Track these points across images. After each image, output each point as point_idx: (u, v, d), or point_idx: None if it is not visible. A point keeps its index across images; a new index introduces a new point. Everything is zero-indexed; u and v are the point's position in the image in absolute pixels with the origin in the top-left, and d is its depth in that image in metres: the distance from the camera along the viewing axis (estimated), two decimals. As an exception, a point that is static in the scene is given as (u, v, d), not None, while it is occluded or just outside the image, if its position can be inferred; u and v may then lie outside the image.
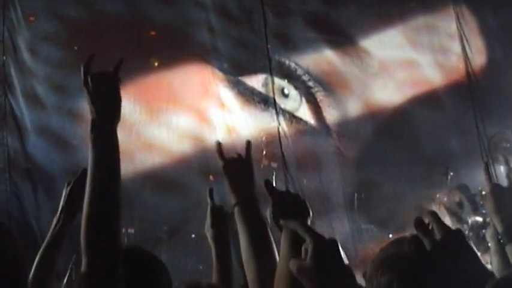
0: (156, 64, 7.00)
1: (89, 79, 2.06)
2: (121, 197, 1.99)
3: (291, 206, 2.15)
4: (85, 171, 3.05)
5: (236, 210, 2.36)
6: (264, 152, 7.02)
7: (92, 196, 1.95)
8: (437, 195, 7.58)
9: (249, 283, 2.22)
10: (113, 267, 1.90)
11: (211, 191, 2.80)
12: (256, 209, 2.35)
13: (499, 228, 2.40)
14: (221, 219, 2.74)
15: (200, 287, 2.73)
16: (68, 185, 2.87)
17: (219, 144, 2.49)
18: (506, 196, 2.48)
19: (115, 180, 2.00)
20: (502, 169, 7.78)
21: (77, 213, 2.88)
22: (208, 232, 2.76)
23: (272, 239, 2.28)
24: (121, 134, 2.04)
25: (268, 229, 2.29)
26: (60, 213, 2.75)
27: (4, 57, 6.30)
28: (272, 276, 1.93)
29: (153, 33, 7.12)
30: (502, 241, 2.39)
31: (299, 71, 7.50)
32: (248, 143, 2.51)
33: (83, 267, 1.90)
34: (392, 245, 1.67)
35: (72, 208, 2.77)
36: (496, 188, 2.54)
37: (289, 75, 7.47)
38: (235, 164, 2.44)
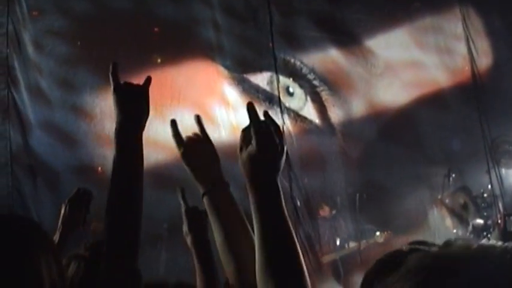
0: (159, 61, 6.97)
1: (118, 89, 2.07)
2: (142, 205, 1.95)
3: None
4: (79, 190, 3.12)
5: (205, 200, 2.16)
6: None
7: (113, 204, 1.93)
8: (439, 196, 7.56)
9: (231, 281, 2.05)
10: (132, 272, 1.88)
11: (183, 191, 2.56)
12: (228, 196, 2.15)
13: None
14: (198, 221, 2.50)
15: (167, 286, 2.60)
16: (65, 205, 3.02)
17: (173, 121, 2.31)
18: None
19: (136, 188, 1.96)
20: (503, 171, 7.79)
21: (72, 231, 2.99)
22: (187, 237, 2.50)
23: (249, 227, 2.03)
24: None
25: (245, 219, 2.07)
26: (58, 233, 2.91)
27: (8, 50, 6.25)
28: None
29: (157, 29, 7.09)
30: None
31: (304, 70, 7.46)
32: (197, 116, 2.30)
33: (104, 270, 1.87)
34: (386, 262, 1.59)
35: (67, 227, 2.95)
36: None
37: (294, 74, 7.44)
38: (196, 147, 2.23)
